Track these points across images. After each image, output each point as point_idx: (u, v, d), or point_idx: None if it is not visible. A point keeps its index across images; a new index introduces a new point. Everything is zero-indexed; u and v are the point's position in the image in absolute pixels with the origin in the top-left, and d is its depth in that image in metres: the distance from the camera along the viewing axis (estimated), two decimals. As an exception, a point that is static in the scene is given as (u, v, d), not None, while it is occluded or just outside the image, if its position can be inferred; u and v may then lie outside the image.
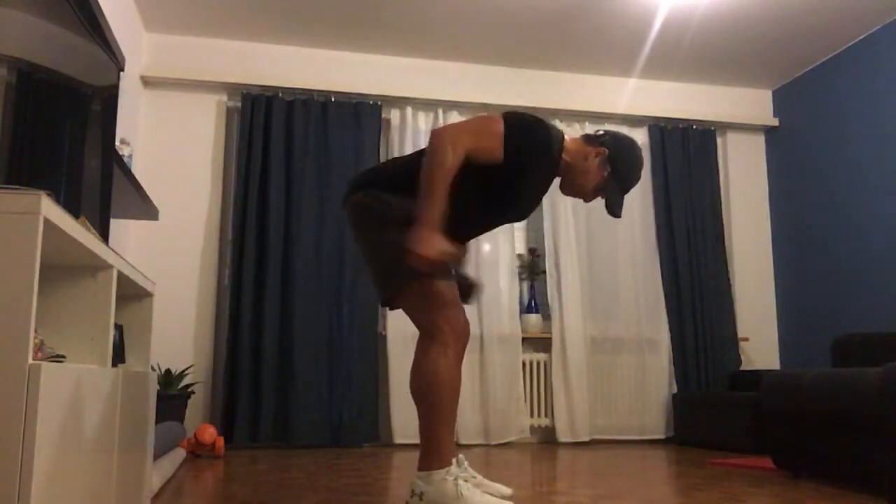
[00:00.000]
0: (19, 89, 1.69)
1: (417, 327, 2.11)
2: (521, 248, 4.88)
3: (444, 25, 4.34)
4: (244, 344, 4.14)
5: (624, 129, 4.97)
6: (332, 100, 4.53)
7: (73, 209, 2.06)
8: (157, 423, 3.27)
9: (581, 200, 4.71)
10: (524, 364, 4.58)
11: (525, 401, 4.53)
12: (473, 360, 4.46)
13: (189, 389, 3.99)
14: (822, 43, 4.54)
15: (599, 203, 4.82)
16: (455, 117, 4.68)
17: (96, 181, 2.36)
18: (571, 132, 4.87)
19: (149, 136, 4.40)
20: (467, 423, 4.37)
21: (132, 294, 2.11)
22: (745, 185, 5.17)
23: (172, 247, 4.33)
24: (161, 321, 4.22)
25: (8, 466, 1.06)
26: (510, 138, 2.10)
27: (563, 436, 4.48)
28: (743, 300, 5.01)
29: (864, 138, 4.40)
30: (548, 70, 4.95)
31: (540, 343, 4.67)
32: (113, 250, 1.63)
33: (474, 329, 4.48)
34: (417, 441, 2.09)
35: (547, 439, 4.59)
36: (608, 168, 2.26)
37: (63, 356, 1.47)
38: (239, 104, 4.46)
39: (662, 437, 4.63)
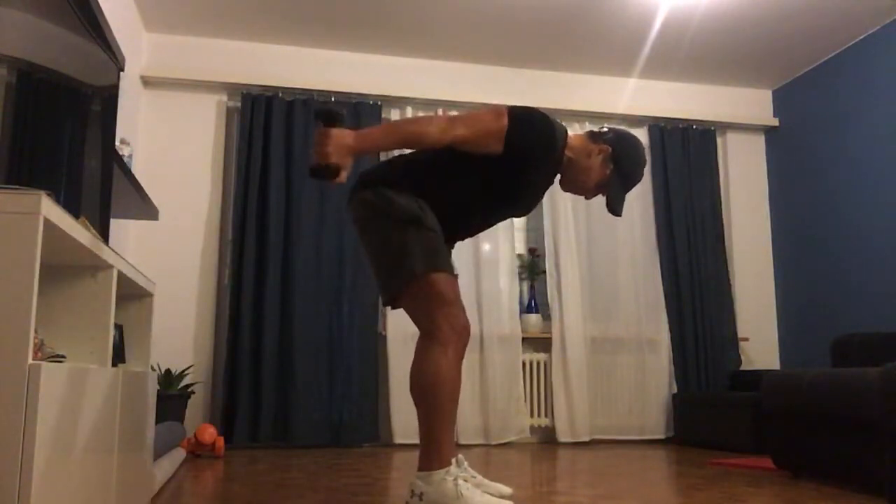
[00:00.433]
0: (19, 89, 1.69)
1: (418, 327, 2.11)
2: (521, 248, 4.89)
3: (444, 25, 4.34)
4: (244, 344, 4.14)
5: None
6: (332, 100, 4.53)
7: (73, 209, 2.06)
8: (157, 423, 3.27)
9: (581, 199, 4.75)
10: (524, 364, 4.58)
11: (525, 401, 4.53)
12: (473, 360, 4.46)
13: (189, 389, 3.99)
14: (822, 43, 4.54)
15: (600, 203, 4.82)
16: (455, 117, 4.68)
17: (96, 181, 2.36)
18: (571, 132, 4.86)
19: (149, 136, 4.40)
20: (467, 423, 4.37)
21: (132, 294, 2.11)
22: (745, 185, 5.17)
23: (172, 247, 4.33)
24: (161, 321, 4.22)
25: (8, 466, 1.06)
26: (514, 132, 2.10)
27: (563, 436, 4.48)
28: (743, 300, 5.01)
29: (863, 138, 4.40)
30: (548, 70, 4.95)
31: (540, 343, 4.67)
32: (113, 250, 1.63)
33: (474, 329, 4.48)
34: (417, 441, 2.08)
35: (547, 439, 4.59)
36: (611, 166, 2.25)
37: (63, 356, 1.47)
38: (239, 104, 4.46)
39: (662, 437, 4.63)
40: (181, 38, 4.50)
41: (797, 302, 4.88)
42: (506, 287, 4.60)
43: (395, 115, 4.68)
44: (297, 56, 4.63)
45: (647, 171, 4.88)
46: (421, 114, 4.69)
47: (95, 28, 2.34)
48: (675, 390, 4.69)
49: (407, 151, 2.22)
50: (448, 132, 2.04)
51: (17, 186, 1.17)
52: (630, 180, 2.29)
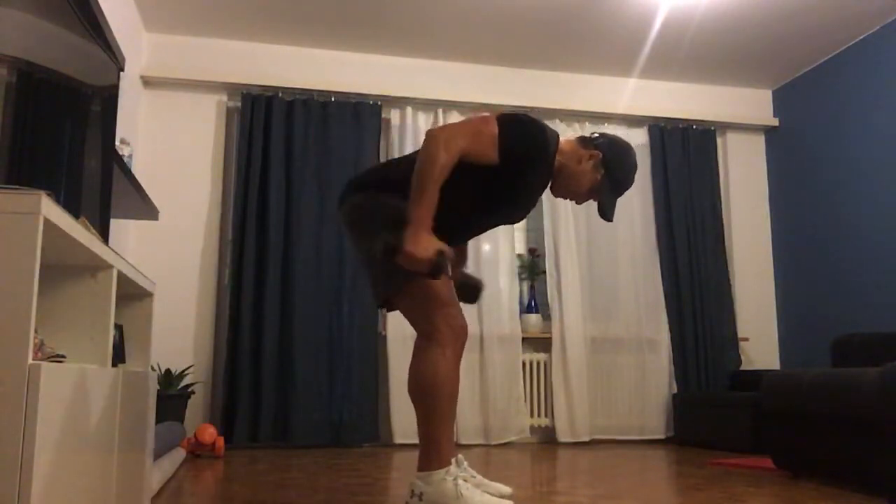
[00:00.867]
0: (19, 89, 1.69)
1: (415, 328, 2.10)
2: (521, 248, 4.89)
3: (444, 25, 4.34)
4: (244, 344, 4.14)
5: (624, 129, 4.97)
6: (332, 100, 4.53)
7: (73, 209, 2.06)
8: (157, 423, 3.27)
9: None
10: (524, 364, 4.58)
11: (525, 401, 4.53)
12: (473, 360, 4.46)
13: (189, 389, 3.99)
14: (822, 43, 4.54)
15: (599, 203, 4.81)
16: (455, 117, 4.68)
17: (96, 181, 2.36)
18: (571, 132, 4.87)
19: (149, 136, 4.40)
20: (467, 423, 4.37)
21: (132, 294, 2.11)
22: (745, 185, 5.17)
23: (172, 247, 4.33)
24: (161, 321, 4.22)
25: (8, 466, 1.06)
26: (505, 139, 2.09)
27: (563, 436, 4.48)
28: (743, 300, 5.01)
29: (863, 138, 4.40)
30: (548, 70, 4.95)
31: (540, 343, 4.67)
32: (113, 250, 1.63)
33: (474, 329, 4.48)
34: (417, 441, 2.08)
35: (547, 439, 4.59)
36: (602, 171, 2.25)
37: (63, 356, 1.47)
38: (239, 104, 4.46)
39: (662, 437, 4.63)
40: (181, 38, 4.50)
41: (797, 302, 4.88)
42: (506, 287, 4.59)
43: (395, 115, 4.68)
44: (297, 56, 4.63)
45: (646, 171, 4.89)
46: (421, 114, 4.69)
47: (95, 28, 2.34)
48: (675, 390, 4.69)
49: (399, 154, 2.21)
50: (452, 148, 2.01)
51: (17, 186, 1.16)
52: (621, 186, 2.28)
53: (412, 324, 2.12)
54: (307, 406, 4.15)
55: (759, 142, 5.25)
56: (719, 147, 5.17)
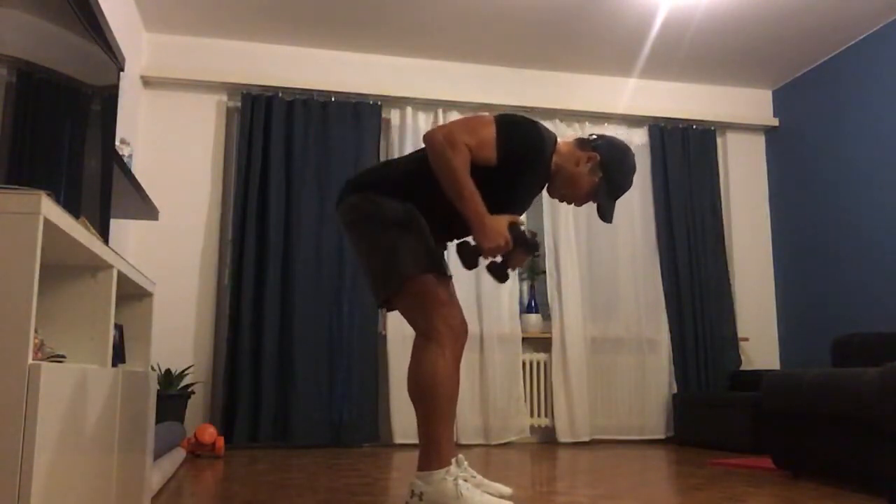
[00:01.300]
0: (19, 89, 1.69)
1: (414, 328, 2.11)
2: (521, 248, 4.88)
3: (444, 25, 4.34)
4: (244, 344, 4.14)
5: (624, 129, 4.97)
6: (332, 100, 4.53)
7: (73, 209, 2.06)
8: (157, 423, 3.27)
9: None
10: (524, 364, 4.58)
11: (525, 401, 4.53)
12: (473, 360, 4.46)
13: (189, 389, 3.99)
14: (822, 43, 4.54)
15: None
16: (455, 117, 4.68)
17: (96, 181, 2.36)
18: (571, 132, 4.87)
19: (149, 136, 4.40)
20: (467, 423, 4.37)
21: (132, 294, 2.11)
22: (745, 185, 5.17)
23: (172, 247, 4.33)
24: (161, 321, 4.22)
25: (8, 466, 1.06)
26: (502, 140, 2.09)
27: (563, 436, 4.48)
28: (743, 300, 5.01)
29: (863, 138, 4.40)
30: (548, 70, 4.95)
31: (540, 343, 4.67)
32: (113, 250, 1.63)
33: (474, 329, 4.48)
34: (417, 441, 2.08)
35: (547, 439, 4.59)
36: (599, 174, 2.23)
37: (63, 356, 1.47)
38: (239, 104, 4.46)
39: (662, 437, 4.63)
40: (181, 38, 4.50)
41: (797, 302, 4.88)
42: (506, 287, 4.59)
43: (395, 115, 4.68)
44: (297, 56, 4.63)
45: (646, 170, 4.89)
46: (421, 114, 4.69)
47: (95, 28, 2.34)
48: (675, 390, 4.69)
49: (399, 154, 2.22)
50: (456, 144, 2.01)
51: (17, 186, 1.16)
52: (619, 189, 2.26)
53: (411, 324, 2.12)
54: (307, 406, 4.15)
55: (759, 142, 5.25)
56: (719, 147, 5.17)
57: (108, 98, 2.54)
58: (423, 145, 2.10)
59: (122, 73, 2.95)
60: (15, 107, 1.66)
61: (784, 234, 5.04)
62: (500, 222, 2.01)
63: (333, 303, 4.31)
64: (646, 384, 4.67)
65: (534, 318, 4.68)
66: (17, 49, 1.70)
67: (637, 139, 4.97)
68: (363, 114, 4.54)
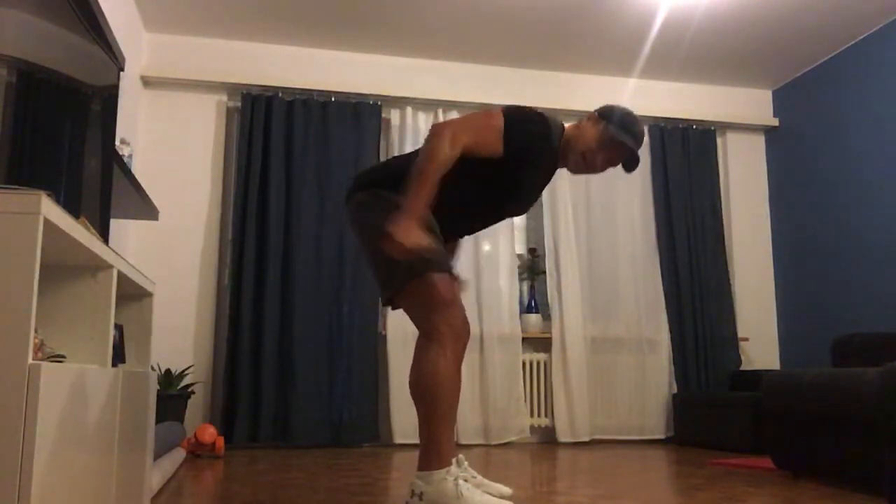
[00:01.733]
0: (19, 89, 1.69)
1: (417, 327, 2.11)
2: (521, 248, 4.88)
3: (443, 25, 4.34)
4: (244, 344, 4.14)
5: (624, 129, 4.96)
6: (332, 100, 4.53)
7: (73, 209, 2.06)
8: (157, 423, 3.27)
9: (581, 199, 4.75)
10: (524, 364, 4.58)
11: (525, 401, 4.53)
12: (473, 360, 4.46)
13: (189, 389, 3.99)
14: (822, 43, 4.54)
15: (600, 203, 4.82)
16: (455, 117, 4.67)
17: (96, 181, 2.36)
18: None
19: (149, 136, 4.40)
20: (467, 423, 4.37)
21: (132, 294, 2.11)
22: (745, 185, 5.17)
23: (172, 247, 4.33)
24: (161, 321, 4.22)
25: (8, 466, 1.06)
26: (510, 132, 2.12)
27: (563, 436, 4.48)
28: (743, 300, 5.01)
29: (863, 138, 4.40)
30: (548, 70, 4.95)
31: (540, 343, 4.67)
32: (113, 250, 1.63)
33: (474, 329, 4.48)
34: (417, 441, 2.08)
35: (547, 439, 4.59)
36: (602, 122, 2.25)
37: (63, 356, 1.47)
38: (239, 104, 4.46)
39: (662, 437, 4.63)
40: (181, 38, 4.50)
41: (797, 302, 4.88)
42: (506, 287, 4.59)
43: (395, 115, 4.68)
44: (297, 56, 4.63)
45: (647, 171, 4.89)
46: (421, 114, 4.70)
47: (95, 28, 2.34)
48: (675, 390, 4.69)
49: (400, 153, 2.23)
50: (456, 144, 2.04)
51: (17, 186, 1.16)
52: (627, 127, 2.23)
53: (414, 323, 2.12)
54: (307, 406, 4.15)
55: (759, 142, 5.25)
56: (719, 147, 5.17)
57: (108, 98, 2.54)
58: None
59: (122, 73, 2.95)
60: (15, 107, 1.66)
61: (784, 235, 5.04)
62: (421, 236, 1.93)
63: (333, 303, 4.31)
64: (646, 384, 4.67)
65: (534, 318, 4.68)
66: (18, 49, 1.70)
67: (637, 139, 4.97)
68: (363, 114, 4.55)
